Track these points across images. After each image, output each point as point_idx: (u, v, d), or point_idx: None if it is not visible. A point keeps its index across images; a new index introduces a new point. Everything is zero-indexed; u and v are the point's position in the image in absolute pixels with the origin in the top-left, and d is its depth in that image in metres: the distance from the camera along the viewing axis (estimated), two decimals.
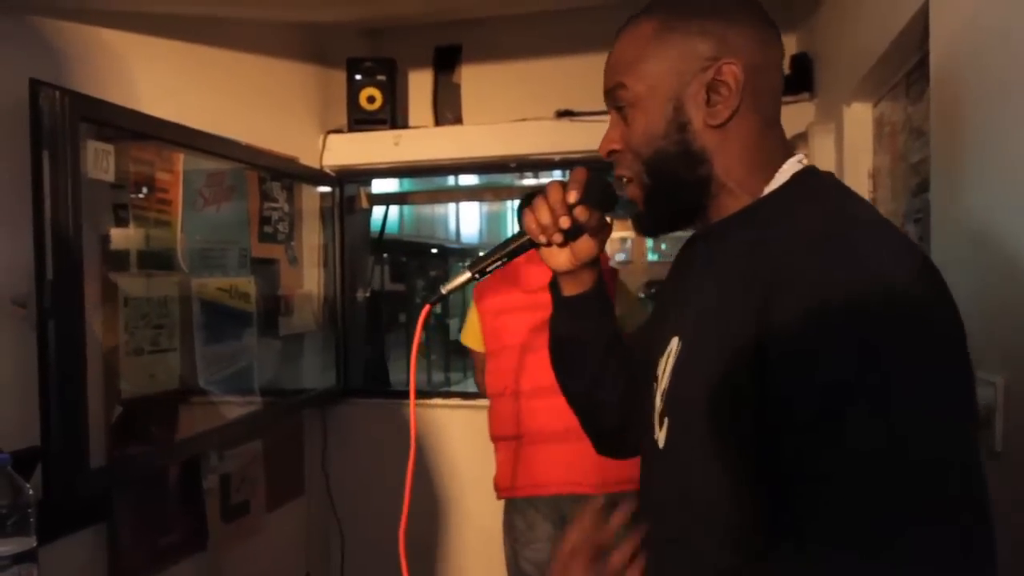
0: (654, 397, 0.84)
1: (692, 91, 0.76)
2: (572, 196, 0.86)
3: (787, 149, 0.80)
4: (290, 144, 2.48)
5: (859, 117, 1.85)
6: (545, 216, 0.87)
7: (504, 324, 2.10)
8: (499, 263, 0.90)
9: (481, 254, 0.94)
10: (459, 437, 2.71)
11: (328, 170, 2.69)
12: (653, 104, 0.78)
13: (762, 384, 0.65)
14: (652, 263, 10.58)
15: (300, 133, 2.61)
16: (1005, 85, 0.94)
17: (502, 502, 2.15)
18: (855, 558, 0.59)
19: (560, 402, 1.05)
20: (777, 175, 0.78)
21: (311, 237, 2.66)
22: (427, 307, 0.92)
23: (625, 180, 0.84)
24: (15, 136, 1.42)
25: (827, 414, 0.60)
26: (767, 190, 0.77)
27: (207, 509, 2.05)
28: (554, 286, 0.98)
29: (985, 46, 1.01)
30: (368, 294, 2.99)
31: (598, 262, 0.95)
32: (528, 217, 0.88)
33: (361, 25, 2.78)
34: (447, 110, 2.76)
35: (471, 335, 2.26)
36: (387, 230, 3.33)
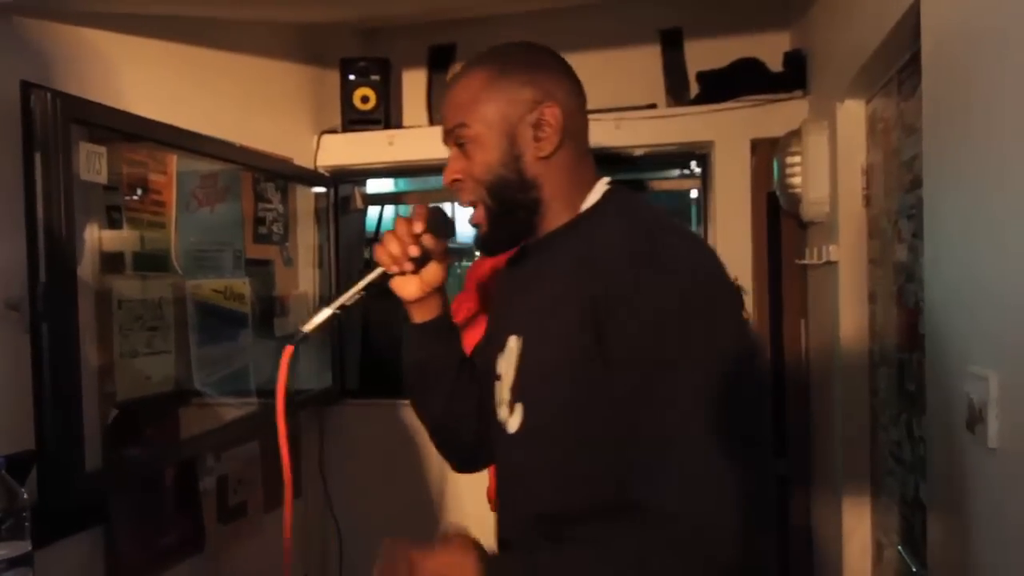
0: (496, 391, 0.99)
1: (522, 129, 0.94)
2: (418, 227, 0.98)
3: (595, 173, 1.01)
4: (284, 145, 2.47)
5: (852, 114, 1.86)
6: (395, 247, 0.98)
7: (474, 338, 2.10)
8: (357, 296, 0.99)
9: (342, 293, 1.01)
10: None
11: (322, 170, 2.69)
12: (491, 139, 0.94)
13: (598, 362, 0.84)
14: None
15: (294, 133, 2.61)
16: (996, 81, 0.95)
17: None
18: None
19: None
20: (590, 195, 0.98)
21: (306, 238, 2.65)
22: (289, 348, 0.98)
23: (470, 204, 0.98)
24: (7, 138, 1.41)
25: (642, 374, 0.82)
26: (584, 207, 0.97)
27: (204, 511, 2.05)
28: (404, 316, 1.09)
29: (976, 42, 1.01)
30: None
31: (443, 290, 1.07)
32: (379, 251, 0.99)
33: (355, 25, 2.77)
34: (442, 110, 2.75)
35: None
36: (383, 230, 3.33)
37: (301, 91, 2.64)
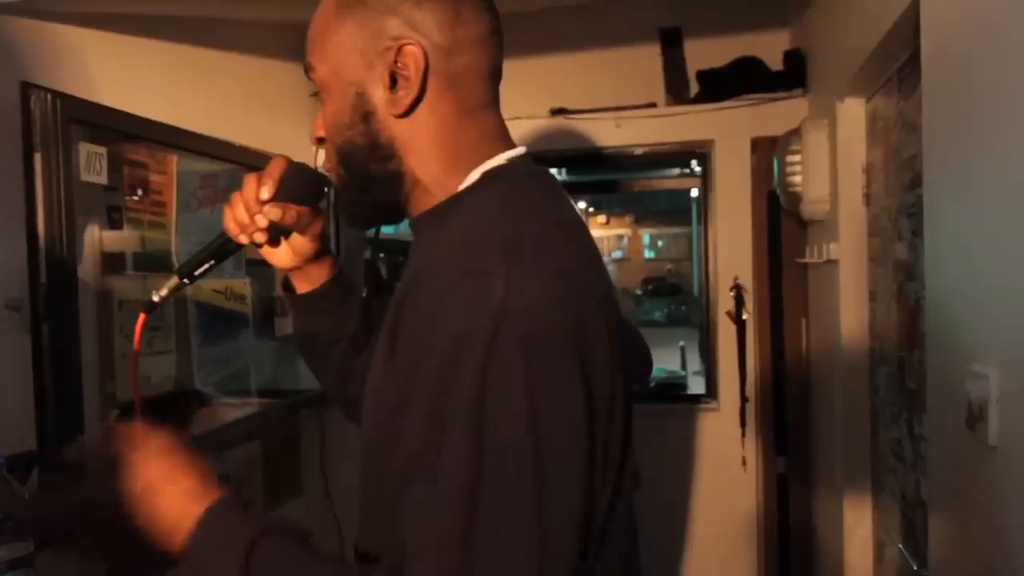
0: None
1: (375, 75, 0.68)
2: (265, 192, 0.79)
3: (500, 142, 0.72)
4: (284, 144, 2.46)
5: (852, 113, 1.86)
6: (241, 214, 0.80)
7: None
8: (207, 266, 0.84)
9: (190, 259, 0.87)
10: None
11: (321, 170, 2.68)
12: (337, 89, 0.70)
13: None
14: (648, 260, 10.59)
15: (293, 133, 2.60)
16: (996, 79, 0.95)
17: None
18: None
19: None
20: (472, 173, 0.70)
21: None
22: (143, 316, 0.86)
23: (327, 170, 0.78)
24: (7, 139, 1.41)
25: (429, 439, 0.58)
26: (460, 188, 0.70)
27: None
28: (286, 283, 0.93)
29: (975, 40, 1.01)
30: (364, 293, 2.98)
31: (328, 253, 0.89)
32: (227, 214, 0.81)
33: None
34: None
35: None
36: (383, 229, 3.32)
37: (300, 90, 2.64)
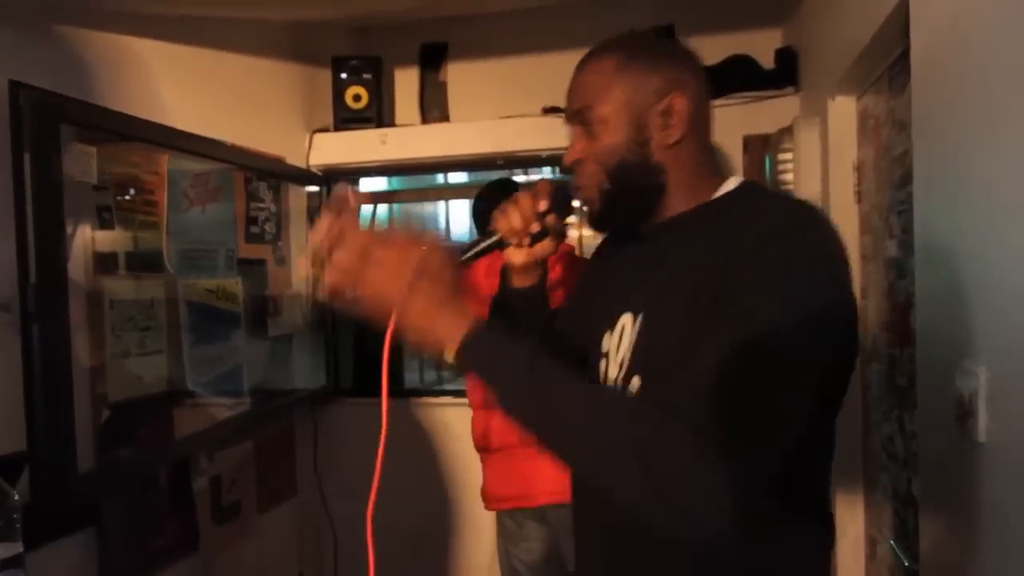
0: (606, 367, 0.99)
1: (651, 115, 0.94)
2: (542, 205, 1.01)
3: (721, 165, 1.01)
4: (276, 144, 2.46)
5: (843, 110, 1.86)
6: (518, 221, 1.01)
7: None
8: (473, 259, 1.00)
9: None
10: (452, 435, 2.71)
11: (315, 169, 2.68)
12: (619, 122, 0.94)
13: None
14: None
15: (286, 132, 2.60)
16: (985, 77, 0.95)
17: None
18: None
19: None
20: (726, 183, 0.97)
21: (299, 237, 2.65)
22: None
23: (583, 185, 0.98)
24: None
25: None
26: (717, 194, 0.96)
27: (198, 512, 2.04)
28: (503, 276, 1.11)
29: (964, 38, 1.02)
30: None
31: (545, 261, 1.09)
32: (501, 221, 1.02)
33: (346, 23, 2.76)
34: (434, 108, 2.75)
35: None
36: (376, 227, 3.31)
37: (293, 90, 2.64)
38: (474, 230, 2.42)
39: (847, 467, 1.88)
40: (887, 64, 1.55)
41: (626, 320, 0.97)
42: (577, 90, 0.98)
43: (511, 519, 2.09)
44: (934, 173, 1.15)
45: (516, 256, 1.06)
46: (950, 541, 1.11)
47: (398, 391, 2.96)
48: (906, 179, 1.42)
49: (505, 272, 1.11)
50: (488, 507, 2.14)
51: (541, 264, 1.09)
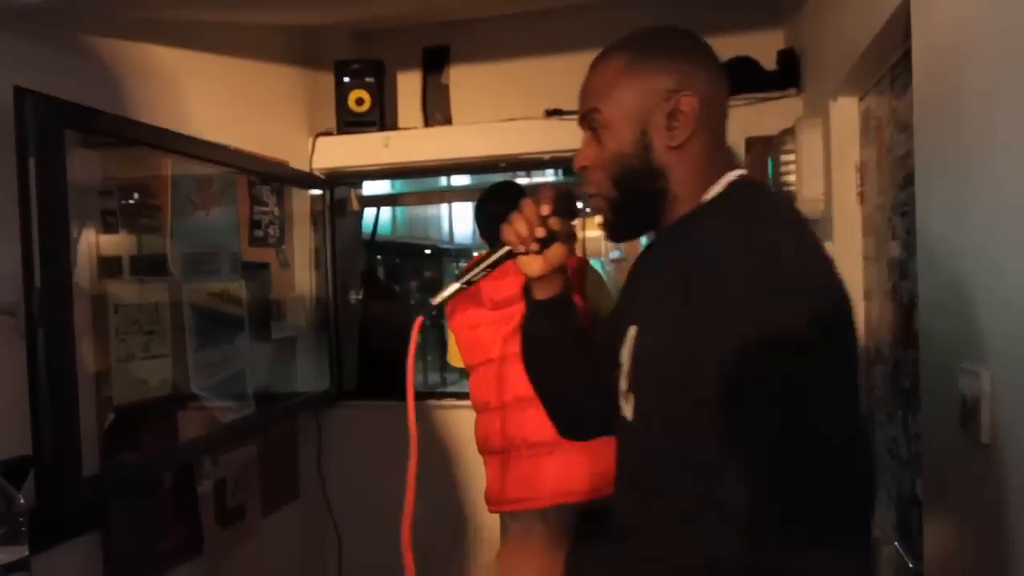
0: (618, 380, 0.97)
1: (656, 118, 0.91)
2: (545, 209, 0.99)
3: (731, 164, 0.95)
4: (279, 147, 2.47)
5: (845, 111, 1.86)
6: (523, 228, 0.99)
7: (478, 337, 2.11)
8: (484, 272, 1.02)
9: (464, 266, 1.01)
10: (456, 437, 2.71)
11: (318, 173, 2.69)
12: (623, 127, 0.92)
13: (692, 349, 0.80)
14: None
15: (289, 136, 2.61)
16: (986, 77, 0.95)
17: None
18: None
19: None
20: (715, 186, 0.92)
21: (302, 240, 2.65)
22: (420, 318, 1.01)
23: (591, 194, 0.97)
24: (1, 144, 1.41)
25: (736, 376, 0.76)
26: (706, 198, 0.92)
27: (202, 515, 2.05)
28: (527, 291, 1.09)
29: (965, 38, 1.02)
30: (361, 295, 2.99)
31: (564, 268, 1.07)
32: (508, 230, 1.01)
33: (348, 27, 2.77)
34: (436, 111, 2.76)
35: (455, 355, 2.29)
36: (380, 232, 3.33)
37: (296, 94, 2.65)
38: (478, 233, 2.43)
39: None
40: (889, 65, 1.55)
41: (631, 331, 0.96)
42: (587, 91, 0.96)
43: (516, 522, 2.09)
44: (936, 174, 1.15)
45: (531, 266, 1.04)
46: (954, 542, 1.10)
47: (400, 393, 2.96)
48: (909, 180, 1.42)
49: (528, 288, 1.09)
50: (492, 509, 2.14)
51: (560, 271, 1.06)
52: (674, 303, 0.84)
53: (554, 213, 1.00)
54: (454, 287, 1.01)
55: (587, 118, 0.96)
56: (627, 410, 0.95)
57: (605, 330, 1.09)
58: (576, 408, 1.13)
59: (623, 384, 0.96)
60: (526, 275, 1.05)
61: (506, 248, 1.02)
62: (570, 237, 1.04)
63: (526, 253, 1.01)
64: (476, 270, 1.01)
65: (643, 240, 1.20)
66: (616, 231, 1.00)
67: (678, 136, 0.91)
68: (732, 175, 0.93)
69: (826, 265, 0.81)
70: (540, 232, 0.99)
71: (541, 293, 1.07)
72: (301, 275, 2.65)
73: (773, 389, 0.75)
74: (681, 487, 0.84)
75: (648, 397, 0.91)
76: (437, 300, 1.01)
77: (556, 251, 1.03)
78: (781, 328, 0.75)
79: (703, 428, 0.78)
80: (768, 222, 0.86)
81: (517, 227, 1.00)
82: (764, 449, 0.75)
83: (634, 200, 0.94)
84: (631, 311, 1.00)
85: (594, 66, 0.97)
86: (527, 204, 1.01)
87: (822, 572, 0.74)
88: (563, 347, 1.09)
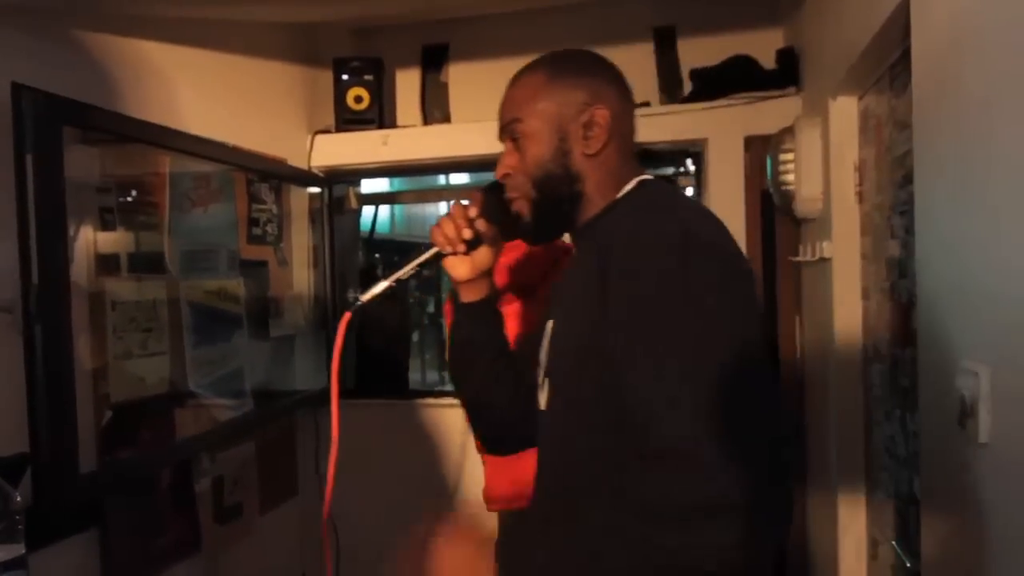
0: (537, 376, 1.04)
1: (574, 127, 0.99)
2: (472, 211, 1.04)
3: (639, 170, 1.04)
4: (278, 145, 2.47)
5: (845, 110, 1.86)
6: (450, 229, 1.04)
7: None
8: (412, 272, 1.05)
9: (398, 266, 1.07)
10: (455, 436, 2.71)
11: (316, 171, 2.68)
12: (543, 136, 1.00)
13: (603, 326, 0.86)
14: None
15: (287, 134, 2.60)
16: (986, 77, 0.95)
17: None
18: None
19: None
20: (625, 187, 1.01)
21: (300, 238, 2.65)
22: (347, 315, 1.03)
23: (513, 198, 1.03)
24: None
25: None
26: (618, 197, 1.01)
27: (200, 512, 2.04)
28: (454, 295, 1.13)
29: (965, 38, 1.02)
30: (359, 293, 2.99)
31: (491, 273, 1.11)
32: (435, 232, 1.05)
33: (347, 25, 2.77)
34: (435, 109, 2.75)
35: None
36: (378, 230, 3.32)
37: (294, 91, 2.64)
38: None
39: (848, 467, 1.88)
40: (888, 64, 1.55)
41: (548, 327, 1.03)
42: (508, 104, 1.03)
43: (513, 520, 2.09)
44: (935, 173, 1.15)
45: (457, 269, 1.07)
46: (952, 541, 1.11)
47: (401, 392, 2.96)
48: (908, 179, 1.42)
49: (454, 291, 1.13)
50: (490, 508, 2.14)
51: (487, 275, 1.10)
52: (591, 288, 0.89)
53: (481, 215, 1.03)
54: (382, 285, 1.04)
55: (508, 129, 1.02)
56: (542, 398, 1.01)
57: (530, 340, 1.13)
58: (500, 419, 1.16)
59: (540, 377, 1.02)
60: (452, 278, 1.09)
61: (434, 249, 1.05)
62: (496, 240, 1.08)
63: (454, 254, 1.05)
64: (405, 268, 1.04)
65: None
66: (536, 232, 1.05)
67: (594, 145, 0.99)
68: (642, 177, 1.02)
69: (715, 231, 0.89)
70: (467, 234, 1.04)
71: (468, 296, 1.10)
72: (299, 273, 2.64)
73: (665, 334, 0.81)
74: (592, 459, 0.91)
75: (561, 384, 0.97)
76: (366, 297, 1.04)
77: (483, 254, 1.07)
78: (669, 282, 0.82)
79: (610, 386, 0.84)
80: (666, 204, 0.95)
81: (444, 228, 1.04)
82: (675, 382, 0.80)
83: (553, 203, 1.01)
84: (552, 312, 1.06)
85: (515, 81, 1.04)
86: (455, 207, 1.06)
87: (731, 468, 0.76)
88: (488, 354, 1.12)
